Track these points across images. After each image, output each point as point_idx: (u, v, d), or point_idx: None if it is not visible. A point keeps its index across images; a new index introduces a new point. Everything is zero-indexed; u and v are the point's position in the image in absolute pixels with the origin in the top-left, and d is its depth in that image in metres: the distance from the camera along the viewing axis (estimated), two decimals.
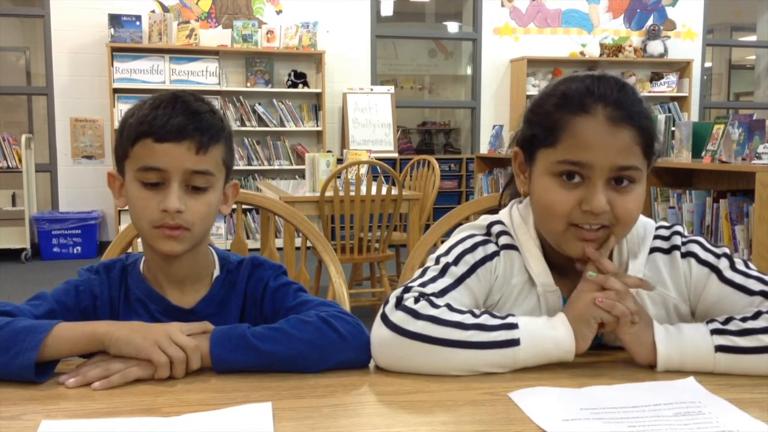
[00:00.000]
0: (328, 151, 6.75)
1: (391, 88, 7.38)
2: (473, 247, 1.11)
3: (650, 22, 7.88)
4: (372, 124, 7.15)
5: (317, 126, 7.07)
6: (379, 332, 1.00)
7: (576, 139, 1.02)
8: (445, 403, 0.90)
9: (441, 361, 0.98)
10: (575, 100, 1.03)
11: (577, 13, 7.76)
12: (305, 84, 6.99)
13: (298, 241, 2.83)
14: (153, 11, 6.70)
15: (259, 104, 6.96)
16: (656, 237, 1.14)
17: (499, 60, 7.62)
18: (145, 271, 1.18)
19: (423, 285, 1.05)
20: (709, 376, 0.98)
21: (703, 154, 3.73)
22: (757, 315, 1.01)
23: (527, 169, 1.11)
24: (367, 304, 4.06)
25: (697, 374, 0.98)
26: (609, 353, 1.08)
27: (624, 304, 1.01)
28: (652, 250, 1.13)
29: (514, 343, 0.98)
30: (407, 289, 1.04)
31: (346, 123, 7.08)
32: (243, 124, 6.84)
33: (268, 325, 1.03)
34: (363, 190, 3.74)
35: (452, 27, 9.34)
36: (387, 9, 7.74)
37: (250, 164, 6.88)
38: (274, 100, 7.02)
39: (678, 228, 1.15)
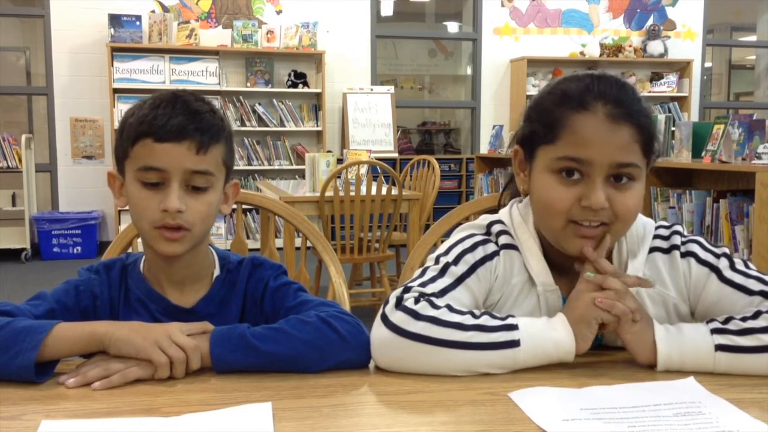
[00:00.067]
0: (328, 151, 6.75)
1: (391, 88, 7.38)
2: (473, 247, 1.11)
3: (650, 22, 7.88)
4: (372, 124, 7.15)
5: (317, 126, 7.07)
6: (379, 332, 1.00)
7: (576, 135, 1.02)
8: (445, 403, 0.90)
9: (441, 361, 0.98)
10: (575, 97, 1.04)
11: (577, 13, 7.76)
12: (305, 84, 6.99)
13: (298, 241, 2.83)
14: (153, 11, 6.70)
15: (259, 104, 6.96)
16: (656, 237, 1.14)
17: (499, 60, 7.62)
18: (145, 270, 1.18)
19: (423, 285, 1.05)
20: (709, 376, 0.98)
21: (703, 154, 3.73)
22: (757, 314, 1.01)
23: (527, 167, 1.11)
24: (367, 304, 4.06)
25: (697, 374, 0.98)
26: (609, 353, 1.08)
27: (623, 302, 1.01)
28: (652, 249, 1.13)
29: (515, 344, 0.98)
30: (407, 289, 1.04)
31: (346, 123, 7.08)
32: (243, 124, 6.84)
33: (267, 325, 1.03)
34: (363, 190, 3.74)
35: (452, 27, 9.35)
36: (387, 9, 7.74)
37: (250, 164, 6.88)
38: (274, 100, 7.02)
39: (677, 228, 1.15)
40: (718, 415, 0.85)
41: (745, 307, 1.05)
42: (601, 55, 7.64)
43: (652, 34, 7.78)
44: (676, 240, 1.13)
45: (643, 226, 1.14)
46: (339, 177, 3.86)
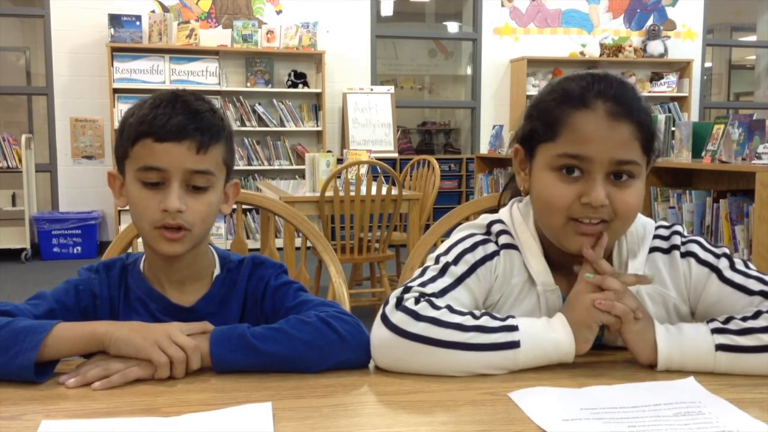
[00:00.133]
0: (328, 151, 6.75)
1: (391, 88, 7.38)
2: (473, 247, 1.11)
3: (650, 22, 7.88)
4: (372, 124, 7.15)
5: (317, 126, 7.07)
6: (379, 333, 1.00)
7: (576, 133, 1.02)
8: (445, 403, 0.90)
9: (441, 362, 0.98)
10: (575, 95, 1.04)
11: (577, 13, 7.76)
12: (305, 84, 6.99)
13: (298, 241, 2.83)
14: (153, 11, 6.70)
15: (259, 104, 6.96)
16: (656, 237, 1.14)
17: (499, 60, 7.62)
18: (145, 269, 1.18)
19: (423, 285, 1.05)
20: (709, 376, 0.98)
21: (703, 154, 3.73)
22: (757, 314, 1.01)
23: (528, 166, 1.12)
24: (367, 304, 4.06)
25: (697, 374, 0.98)
26: (609, 353, 1.08)
27: (623, 302, 1.01)
28: (652, 249, 1.13)
29: (515, 345, 0.98)
30: (407, 289, 1.04)
31: (346, 123, 7.08)
32: (243, 124, 6.84)
33: (267, 325, 1.03)
34: (363, 190, 3.74)
35: (452, 27, 9.35)
36: (387, 9, 7.74)
37: (250, 164, 6.88)
38: (274, 100, 7.02)
39: (677, 228, 1.15)
40: (718, 415, 0.85)
41: (745, 307, 1.05)
42: (601, 55, 7.64)
43: (652, 34, 7.78)
44: (676, 240, 1.13)
45: (643, 226, 1.14)
46: (339, 177, 3.86)
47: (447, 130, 9.65)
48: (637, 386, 0.95)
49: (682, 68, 7.87)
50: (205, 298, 1.16)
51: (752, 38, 9.67)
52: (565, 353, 1.00)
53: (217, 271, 1.19)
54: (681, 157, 3.92)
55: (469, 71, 8.22)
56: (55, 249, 6.37)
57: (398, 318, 0.99)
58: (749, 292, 1.06)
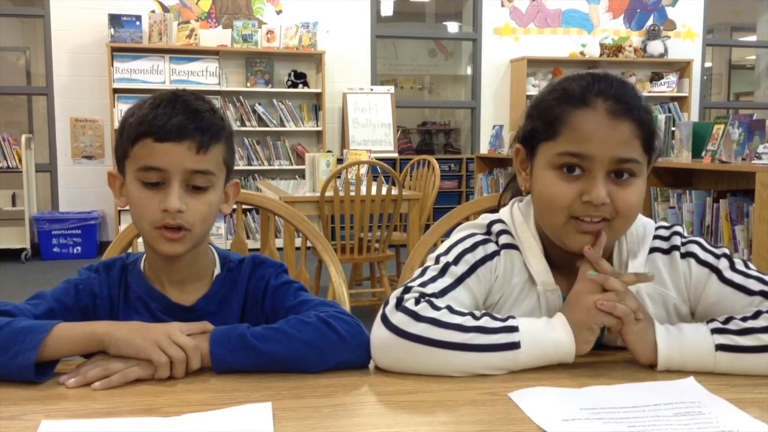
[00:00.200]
0: (328, 151, 6.75)
1: (391, 88, 7.38)
2: (473, 247, 1.11)
3: (650, 22, 7.88)
4: (372, 124, 7.15)
5: (317, 126, 7.07)
6: (379, 333, 1.00)
7: (576, 131, 1.03)
8: (445, 403, 0.90)
9: (441, 363, 0.98)
10: (576, 94, 1.04)
11: (577, 13, 7.76)
12: (305, 84, 6.99)
13: (298, 241, 2.83)
14: (153, 11, 6.70)
15: (259, 104, 6.96)
16: (656, 237, 1.14)
17: (499, 60, 7.62)
18: (146, 269, 1.18)
19: (423, 285, 1.05)
20: (709, 376, 0.98)
21: (703, 154, 3.73)
22: (757, 314, 1.02)
23: (529, 165, 1.12)
24: (367, 304, 4.07)
25: (697, 374, 0.98)
26: (609, 353, 1.08)
27: (624, 303, 1.01)
28: (652, 250, 1.13)
29: (515, 346, 0.98)
30: (407, 290, 1.04)
31: (346, 123, 7.08)
32: (243, 124, 6.84)
33: (267, 325, 1.03)
34: (363, 190, 3.74)
35: (452, 27, 9.35)
36: (387, 9, 7.74)
37: (250, 164, 6.88)
38: (274, 100, 7.02)
39: (677, 228, 1.15)
40: (718, 415, 0.85)
41: (745, 307, 1.05)
42: (601, 55, 7.64)
43: (652, 34, 7.78)
44: (676, 240, 1.13)
45: (643, 226, 1.14)
46: (339, 177, 3.86)
47: (447, 130, 9.65)
48: (637, 386, 0.95)
49: (682, 68, 7.87)
50: (205, 297, 1.16)
51: (752, 38, 9.67)
52: (565, 353, 1.00)
53: (217, 270, 1.19)
54: (681, 157, 3.92)
55: (469, 71, 8.22)
56: (55, 249, 6.37)
57: (398, 318, 0.99)
58: (749, 292, 1.06)
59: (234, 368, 0.99)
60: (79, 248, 6.41)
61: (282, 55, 6.96)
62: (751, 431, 0.81)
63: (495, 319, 1.01)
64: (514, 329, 0.99)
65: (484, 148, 7.17)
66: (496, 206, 1.27)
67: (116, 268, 1.18)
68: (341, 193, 3.70)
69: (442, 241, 1.20)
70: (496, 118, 7.57)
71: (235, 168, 1.20)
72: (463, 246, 1.11)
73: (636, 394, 0.91)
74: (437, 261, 1.10)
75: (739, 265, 1.09)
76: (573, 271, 1.08)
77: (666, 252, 1.12)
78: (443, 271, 1.08)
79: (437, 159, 4.96)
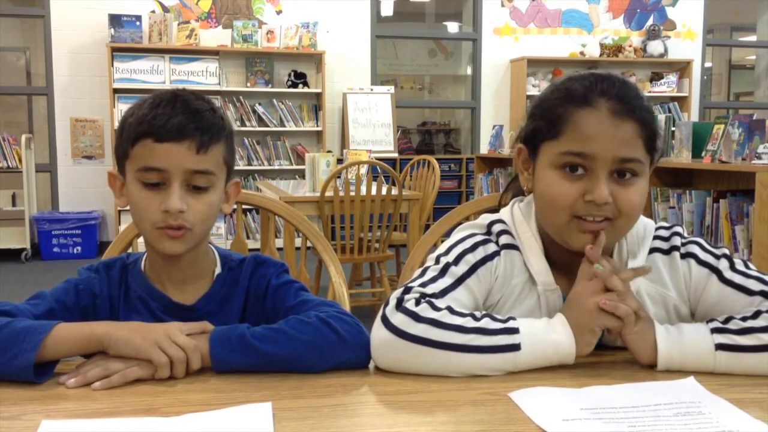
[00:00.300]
0: (328, 151, 6.75)
1: (391, 88, 7.38)
2: (473, 247, 1.11)
3: (650, 22, 7.88)
4: (372, 124, 7.15)
5: (317, 126, 7.07)
6: (379, 334, 1.00)
7: (579, 131, 1.03)
8: (445, 403, 0.90)
9: (441, 364, 0.98)
10: (579, 94, 1.04)
11: (577, 13, 7.76)
12: (305, 84, 6.99)
13: (298, 241, 2.83)
14: (153, 11, 6.70)
15: (259, 104, 6.96)
16: (656, 237, 1.14)
17: (499, 60, 7.62)
18: (146, 269, 1.17)
19: (423, 285, 1.05)
20: (709, 376, 0.98)
21: (703, 154, 3.73)
22: (757, 314, 1.02)
23: (531, 165, 1.12)
24: (367, 304, 4.07)
25: (697, 374, 0.98)
26: (609, 353, 1.08)
27: (626, 303, 1.01)
28: (652, 250, 1.13)
29: (515, 347, 0.98)
30: (407, 290, 1.03)
31: (346, 123, 7.08)
32: (243, 124, 6.84)
33: (267, 325, 1.03)
34: (363, 190, 3.74)
35: (452, 27, 9.34)
36: (387, 9, 7.74)
37: (250, 164, 6.88)
38: (274, 100, 7.02)
39: (677, 229, 1.15)
40: (718, 415, 0.85)
41: (745, 307, 1.05)
42: (601, 55, 7.64)
43: (652, 34, 7.78)
44: (676, 241, 1.13)
45: (644, 226, 1.14)
46: (339, 177, 3.86)
47: (447, 130, 9.65)
48: (637, 386, 0.95)
49: (682, 68, 7.87)
50: (206, 296, 1.16)
51: (752, 38, 9.67)
52: (565, 355, 1.00)
53: (218, 269, 1.19)
54: (681, 157, 3.92)
55: (469, 71, 8.22)
56: (55, 249, 6.37)
57: (399, 319, 0.99)
58: (749, 292, 1.06)
59: (234, 368, 0.99)
60: (79, 248, 6.41)
61: (282, 55, 6.96)
62: (751, 431, 0.81)
63: (495, 320, 1.01)
64: (514, 331, 0.99)
65: (484, 148, 7.17)
66: (496, 206, 1.27)
67: (116, 268, 1.18)
68: (341, 193, 3.70)
69: (442, 241, 1.20)
70: (496, 118, 7.57)
71: (235, 168, 1.20)
72: (464, 246, 1.11)
73: (636, 394, 0.91)
74: (437, 261, 1.10)
75: (739, 266, 1.09)
76: (573, 270, 1.08)
77: (666, 252, 1.12)
78: (443, 272, 1.07)
79: (437, 159, 4.97)
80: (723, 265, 1.09)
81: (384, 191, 3.79)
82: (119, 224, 6.38)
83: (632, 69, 7.82)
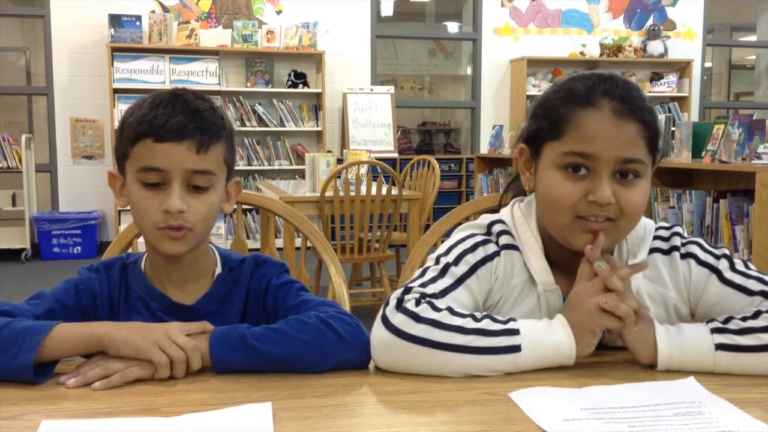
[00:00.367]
0: (328, 151, 6.75)
1: (391, 88, 7.38)
2: (473, 247, 1.11)
3: (650, 22, 7.88)
4: (372, 124, 7.15)
5: (317, 126, 7.07)
6: (379, 334, 1.00)
7: (582, 131, 1.03)
8: (445, 403, 0.90)
9: (441, 364, 0.98)
10: (581, 94, 1.04)
11: (577, 13, 7.76)
12: (305, 84, 6.99)
13: (298, 241, 2.83)
14: (153, 11, 6.70)
15: (259, 104, 6.96)
16: (656, 237, 1.14)
17: (499, 60, 7.62)
18: (146, 269, 1.17)
19: (423, 285, 1.05)
20: (709, 376, 0.98)
21: (703, 154, 3.73)
22: (757, 314, 1.02)
23: (533, 165, 1.12)
24: (367, 304, 4.07)
25: (697, 374, 0.98)
26: (609, 353, 1.08)
27: (626, 302, 1.01)
28: (652, 250, 1.13)
29: (516, 349, 0.98)
30: (408, 290, 1.03)
31: (346, 123, 7.08)
32: (243, 124, 6.84)
33: (267, 325, 1.03)
34: (363, 190, 3.74)
35: (452, 27, 9.34)
36: (387, 9, 7.74)
37: (250, 164, 6.88)
38: (274, 100, 7.02)
39: (677, 229, 1.15)
40: (718, 415, 0.85)
41: (745, 307, 1.05)
42: (601, 55, 7.64)
43: (652, 34, 7.78)
44: (676, 241, 1.13)
45: (644, 226, 1.14)
46: (339, 177, 3.86)
47: (447, 130, 9.65)
48: (637, 386, 0.95)
49: (682, 68, 7.87)
50: (206, 296, 1.16)
51: (752, 38, 9.67)
52: (566, 356, 1.00)
53: (218, 269, 1.19)
54: (681, 157, 3.92)
55: (469, 71, 8.22)
56: (55, 249, 6.37)
57: (399, 320, 0.99)
58: (749, 292, 1.06)
59: (234, 368, 0.99)
60: (79, 248, 6.41)
61: (282, 55, 6.96)
62: (751, 431, 0.81)
63: (496, 321, 1.01)
64: (515, 332, 0.99)
65: (484, 148, 7.17)
66: (496, 206, 1.27)
67: (116, 268, 1.18)
68: (341, 193, 3.70)
69: (442, 242, 1.20)
70: (496, 118, 7.57)
71: (235, 168, 1.19)
72: (464, 246, 1.11)
73: (636, 394, 0.91)
74: (437, 261, 1.10)
75: (739, 266, 1.09)
76: (573, 270, 1.08)
77: (666, 252, 1.12)
78: (443, 272, 1.07)
79: (437, 159, 4.97)
80: (723, 265, 1.09)
81: (384, 191, 3.79)
82: (119, 224, 6.39)
83: (632, 69, 7.82)
